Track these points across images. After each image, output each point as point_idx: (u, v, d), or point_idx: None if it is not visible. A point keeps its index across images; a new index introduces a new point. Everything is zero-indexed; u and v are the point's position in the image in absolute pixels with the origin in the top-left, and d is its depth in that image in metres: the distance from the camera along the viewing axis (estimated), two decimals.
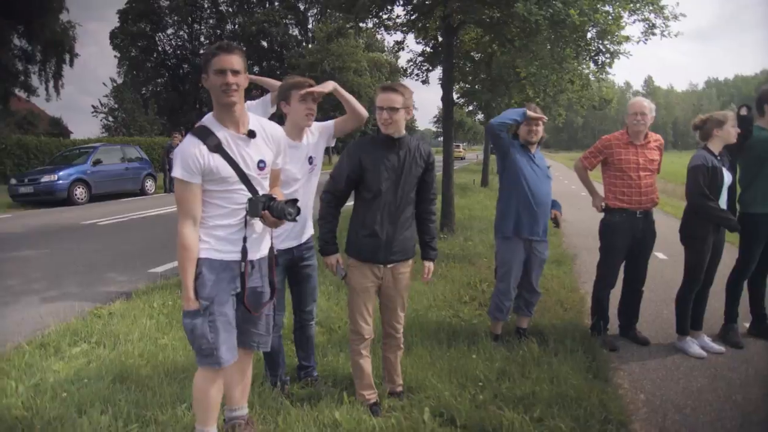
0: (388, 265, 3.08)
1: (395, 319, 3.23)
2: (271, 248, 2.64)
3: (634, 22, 8.15)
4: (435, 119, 70.18)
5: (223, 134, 2.37)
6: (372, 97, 39.59)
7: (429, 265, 3.30)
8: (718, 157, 4.13)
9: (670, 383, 3.76)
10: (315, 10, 39.56)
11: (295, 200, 2.45)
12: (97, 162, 15.76)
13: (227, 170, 2.37)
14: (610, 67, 8.96)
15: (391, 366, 3.34)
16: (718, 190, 4.06)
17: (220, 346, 2.38)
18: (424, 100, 67.02)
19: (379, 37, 38.68)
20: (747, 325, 4.71)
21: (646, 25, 8.00)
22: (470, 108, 18.66)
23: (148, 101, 34.48)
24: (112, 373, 3.58)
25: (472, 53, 12.32)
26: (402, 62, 39.81)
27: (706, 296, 4.41)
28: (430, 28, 9.77)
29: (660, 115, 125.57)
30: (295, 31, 41.76)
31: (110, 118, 32.42)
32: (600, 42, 8.29)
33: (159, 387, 3.35)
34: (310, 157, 3.22)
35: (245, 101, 5.17)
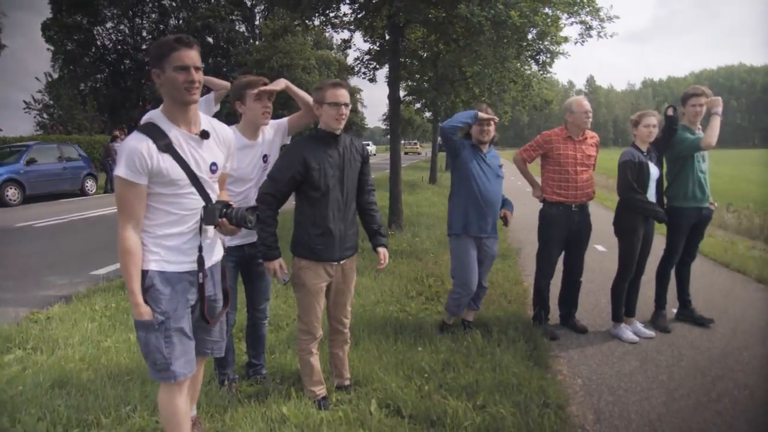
0: (341, 262, 3.09)
1: (343, 314, 3.27)
2: (223, 255, 2.55)
3: (572, 24, 8.49)
4: (384, 117, 70.59)
5: (174, 133, 2.21)
6: None
7: (383, 251, 3.29)
8: (645, 153, 4.39)
9: (605, 368, 3.97)
10: (262, 7, 38.90)
11: (255, 207, 2.38)
12: (31, 161, 14.97)
13: (178, 172, 2.20)
14: (551, 66, 9.30)
15: (339, 361, 3.37)
16: (645, 184, 4.32)
17: (175, 360, 2.26)
18: (373, 98, 67.38)
19: (327, 34, 38.44)
20: (675, 311, 5.01)
21: (583, 27, 8.34)
22: (418, 106, 18.88)
23: (87, 98, 33.00)
24: (51, 378, 3.45)
25: (418, 52, 12.47)
26: (350, 60, 39.81)
27: (638, 285, 4.67)
28: (377, 26, 9.84)
29: (602, 114, 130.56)
30: (242, 28, 40.95)
31: (45, 115, 30.81)
32: (540, 42, 8.58)
33: (102, 390, 3.27)
34: (265, 156, 3.19)
35: None
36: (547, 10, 7.59)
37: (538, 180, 4.69)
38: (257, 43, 37.96)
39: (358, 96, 65.06)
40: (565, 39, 8.74)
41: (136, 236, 2.19)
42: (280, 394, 3.24)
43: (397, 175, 9.36)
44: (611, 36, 8.54)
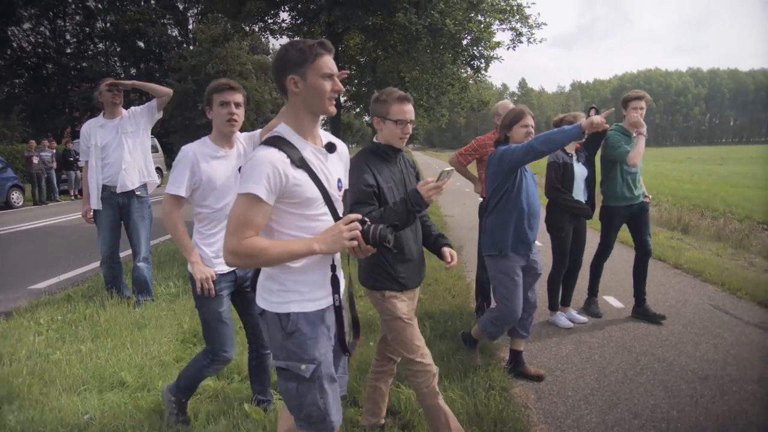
0: (417, 288, 2.81)
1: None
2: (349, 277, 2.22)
3: (504, 31, 8.95)
4: (323, 121, 70.53)
5: (305, 147, 1.93)
6: (259, 100, 38.97)
7: (449, 249, 2.84)
8: (570, 154, 4.72)
9: (544, 352, 4.29)
10: (195, 10, 38.00)
11: (396, 225, 2.02)
12: None
13: (313, 190, 1.90)
14: (485, 71, 9.74)
15: (381, 397, 3.01)
16: (570, 183, 4.66)
17: (330, 409, 1.99)
18: None
19: (263, 39, 38.10)
20: (607, 298, 5.44)
21: (514, 34, 8.81)
22: (357, 110, 19.12)
23: (5, 104, 31.05)
24: None
25: (357, 57, 12.72)
26: None
27: (575, 277, 5.03)
28: (316, 32, 9.98)
29: (534, 115, 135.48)
30: (175, 32, 39.87)
31: None
32: (474, 48, 8.98)
33: (57, 401, 3.25)
34: (240, 167, 2.87)
35: (124, 108, 5.08)
36: (480, 17, 7.99)
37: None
38: (191, 48, 37.06)
39: None
40: (498, 44, 9.19)
41: (261, 239, 1.85)
42: (241, 392, 3.33)
43: None
44: (540, 41, 9.07)
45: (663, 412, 3.32)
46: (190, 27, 39.49)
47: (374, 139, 2.73)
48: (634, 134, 4.70)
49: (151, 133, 5.40)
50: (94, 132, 5.02)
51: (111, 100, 4.97)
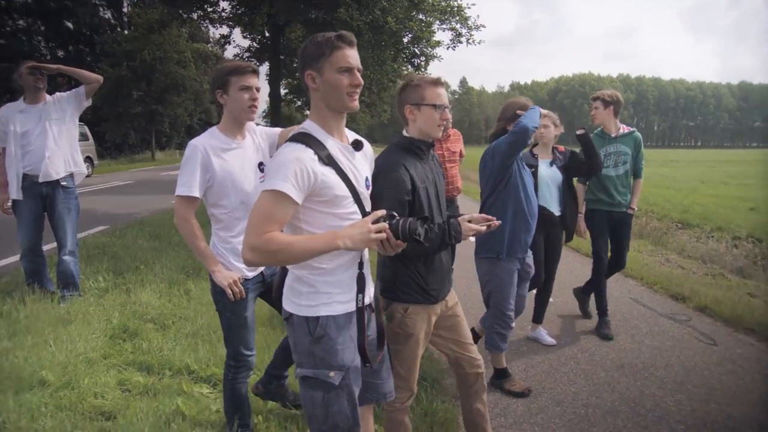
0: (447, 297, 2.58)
1: (472, 350, 2.70)
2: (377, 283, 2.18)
3: (444, 30, 9.13)
4: (264, 114, 69.19)
5: (331, 144, 1.86)
6: (198, 90, 37.73)
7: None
8: (536, 155, 4.21)
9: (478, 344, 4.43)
10: None
11: (426, 217, 1.91)
12: None
13: (342, 188, 1.83)
14: (425, 68, 9.89)
15: (482, 419, 2.79)
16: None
17: (357, 418, 1.92)
18: None
19: (203, 27, 36.87)
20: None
21: (454, 34, 9.01)
22: (299, 103, 18.93)
23: None
24: None
25: (299, 50, 12.56)
26: (229, 56, 38.38)
27: (548, 291, 4.53)
28: (257, 23, 9.81)
29: (475, 113, 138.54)
30: (108, 14, 37.88)
31: None
32: (415, 46, 9.12)
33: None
34: (261, 163, 2.67)
35: (49, 93, 4.82)
36: (421, 16, 8.12)
37: None
38: (126, 32, 35.36)
39: None
40: (438, 43, 9.37)
41: (278, 232, 1.75)
42: (172, 388, 3.28)
43: None
44: (479, 43, 9.30)
45: (583, 399, 3.54)
46: (125, 10, 37.68)
47: (404, 133, 2.44)
48: (613, 135, 4.56)
49: (83, 121, 5.17)
50: (12, 117, 4.73)
51: (33, 84, 4.69)
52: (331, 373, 1.85)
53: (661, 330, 4.80)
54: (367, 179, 1.99)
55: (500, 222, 2.33)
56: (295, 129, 1.98)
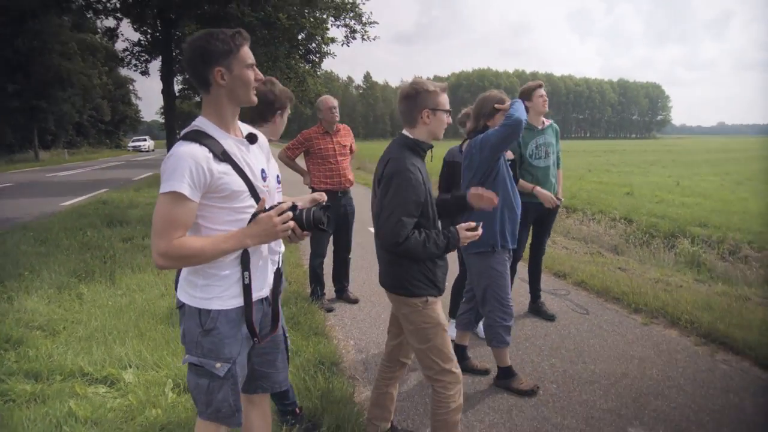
0: None
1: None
2: (277, 270, 2.20)
3: (338, 27, 9.26)
4: (161, 110, 65.93)
5: (226, 140, 1.88)
6: (86, 85, 35.12)
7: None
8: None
9: (373, 329, 4.67)
10: None
11: (328, 206, 1.96)
12: None
13: (239, 183, 1.86)
14: (320, 65, 9.98)
15: (391, 401, 2.91)
16: (459, 182, 4.07)
17: (241, 405, 2.01)
18: (148, 89, 62.48)
19: (89, 17, 34.21)
20: None
21: (348, 30, 9.16)
22: (198, 99, 18.30)
23: None
24: None
25: (192, 47, 12.14)
26: (118, 49, 35.86)
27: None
28: (147, 16, 9.42)
29: (379, 107, 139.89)
30: None
31: None
32: (309, 43, 9.18)
33: None
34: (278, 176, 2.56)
35: None
36: (315, 13, 8.19)
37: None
38: None
39: (130, 87, 59.71)
40: (332, 40, 9.48)
41: (192, 238, 1.79)
42: (63, 392, 3.21)
43: None
44: (374, 39, 9.55)
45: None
46: None
47: (408, 134, 2.51)
48: (539, 127, 4.57)
49: None
50: None
51: None
52: (218, 365, 1.90)
53: (577, 320, 4.95)
54: (263, 171, 2.00)
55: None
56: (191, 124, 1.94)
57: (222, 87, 1.84)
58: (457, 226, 2.45)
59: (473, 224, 2.47)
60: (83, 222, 9.21)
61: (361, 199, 5.67)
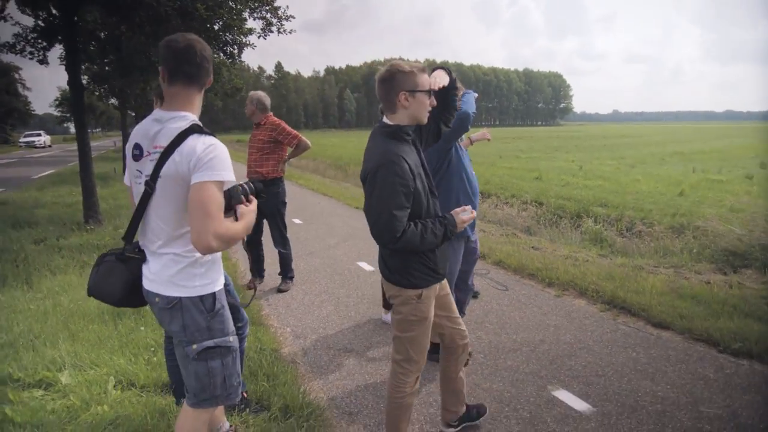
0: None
1: (460, 322, 2.82)
2: None
3: (254, 19, 9.15)
4: (57, 102, 60.84)
5: None
6: None
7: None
8: None
9: (308, 316, 4.83)
10: None
11: (259, 184, 2.27)
12: None
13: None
14: (239, 57, 9.82)
15: (463, 385, 2.89)
16: None
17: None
18: (38, 78, 57.43)
19: None
20: (360, 263, 6.20)
21: (264, 23, 9.09)
22: (100, 91, 17.32)
23: None
24: None
25: (97, 32, 11.47)
26: (6, 35, 32.70)
27: None
28: (40, 1, 8.74)
29: (292, 98, 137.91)
30: None
31: None
32: (227, 34, 9.02)
33: None
34: None
35: None
36: (231, 4, 8.07)
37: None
38: None
39: (16, 75, 54.73)
40: (250, 31, 9.38)
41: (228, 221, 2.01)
42: None
43: (88, 167, 8.76)
44: (290, 32, 9.53)
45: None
46: None
47: (388, 122, 2.39)
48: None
49: None
50: None
51: None
52: (231, 338, 2.12)
53: (497, 297, 5.34)
54: None
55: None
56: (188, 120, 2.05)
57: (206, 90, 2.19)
58: (453, 212, 2.42)
59: (468, 208, 2.46)
60: None
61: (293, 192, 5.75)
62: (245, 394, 3.15)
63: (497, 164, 22.02)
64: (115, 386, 3.28)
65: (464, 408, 2.92)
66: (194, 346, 2.04)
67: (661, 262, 6.34)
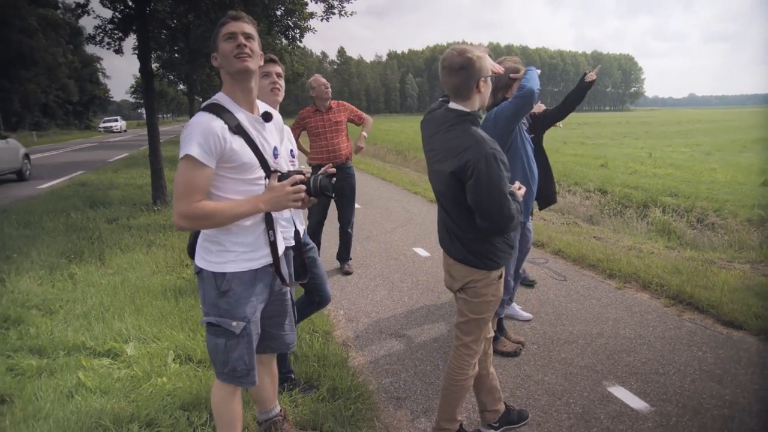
0: None
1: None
2: (296, 232, 2.51)
3: (316, 2, 9.21)
4: (132, 89, 64.22)
5: (241, 115, 2.04)
6: (51, 63, 34.01)
7: None
8: None
9: (361, 299, 4.86)
10: None
11: (333, 175, 2.12)
12: None
13: (250, 156, 2.03)
14: (300, 41, 9.94)
15: (496, 380, 2.84)
16: None
17: (255, 365, 2.19)
18: (115, 68, 60.56)
19: None
20: (416, 249, 6.19)
21: (326, 5, 9.14)
22: (170, 77, 18.02)
23: None
24: None
25: (168, 21, 11.92)
26: (89, 26, 34.29)
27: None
28: None
29: (354, 83, 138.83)
30: None
31: None
32: (288, 18, 9.13)
33: None
34: (291, 150, 2.89)
35: None
36: None
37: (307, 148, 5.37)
38: None
39: (98, 65, 58.01)
40: (311, 15, 9.45)
41: (209, 202, 1.96)
42: (69, 365, 3.34)
43: (157, 150, 9.15)
44: (351, 14, 9.52)
45: (447, 336, 4.07)
46: None
47: (463, 108, 2.31)
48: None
49: None
50: None
51: None
52: (234, 323, 2.08)
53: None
54: (275, 149, 2.17)
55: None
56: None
57: (220, 66, 2.05)
58: (514, 187, 2.44)
59: (518, 183, 2.50)
60: (65, 204, 9.18)
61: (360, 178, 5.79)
62: (293, 375, 3.22)
63: (561, 150, 21.32)
64: (174, 360, 3.44)
65: (503, 406, 2.84)
66: (204, 318, 2.14)
67: (736, 257, 5.95)
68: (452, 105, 2.33)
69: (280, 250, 2.24)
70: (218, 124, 1.94)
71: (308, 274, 2.37)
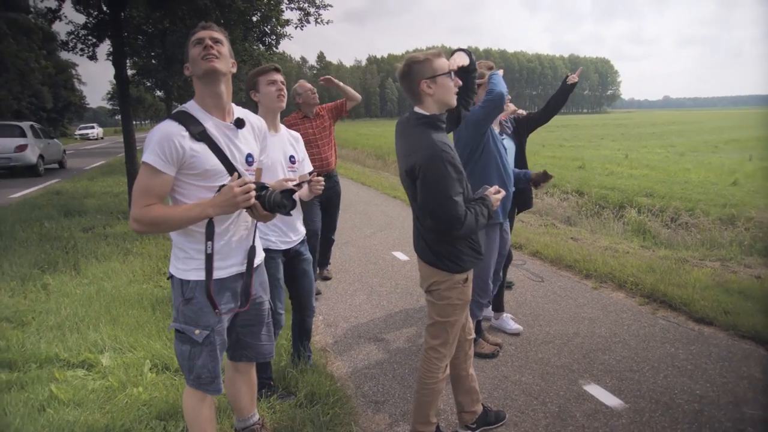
0: None
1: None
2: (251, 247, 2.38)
3: (292, 10, 9.22)
4: (109, 96, 63.24)
5: (209, 122, 2.04)
6: (23, 69, 33.15)
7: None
8: None
9: (340, 304, 4.87)
10: None
11: (292, 191, 2.09)
12: None
13: (213, 162, 2.02)
14: (276, 47, 9.91)
15: (475, 382, 2.84)
16: None
17: (219, 373, 2.17)
18: (92, 74, 59.57)
19: None
20: (395, 253, 6.20)
21: (302, 13, 9.15)
22: (147, 84, 17.84)
23: None
24: None
25: (144, 27, 11.84)
26: (61, 32, 33.79)
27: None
28: None
29: (334, 88, 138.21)
30: None
31: None
32: (264, 25, 9.11)
33: None
34: (292, 156, 3.06)
35: None
36: None
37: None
38: None
39: (73, 71, 57.00)
40: (287, 22, 9.45)
41: (161, 207, 1.94)
42: (41, 378, 3.28)
43: (133, 158, 9.04)
44: (327, 23, 9.54)
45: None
46: None
47: (420, 111, 2.39)
48: None
49: None
50: None
51: None
52: (197, 331, 2.08)
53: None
54: (249, 155, 2.15)
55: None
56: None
57: (191, 74, 2.06)
58: (486, 192, 2.48)
59: (497, 187, 2.53)
60: (39, 213, 9.01)
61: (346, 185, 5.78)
62: (272, 382, 3.21)
63: (540, 153, 21.58)
64: (150, 369, 3.40)
65: (481, 408, 2.86)
66: (171, 323, 2.15)
67: (708, 255, 6.09)
68: (415, 109, 2.42)
69: (230, 269, 2.17)
70: (177, 131, 1.95)
71: (248, 300, 2.23)
